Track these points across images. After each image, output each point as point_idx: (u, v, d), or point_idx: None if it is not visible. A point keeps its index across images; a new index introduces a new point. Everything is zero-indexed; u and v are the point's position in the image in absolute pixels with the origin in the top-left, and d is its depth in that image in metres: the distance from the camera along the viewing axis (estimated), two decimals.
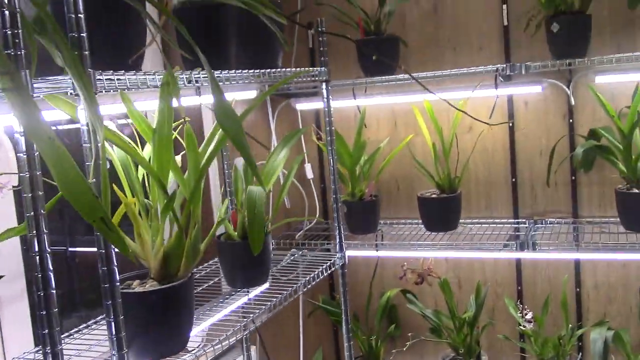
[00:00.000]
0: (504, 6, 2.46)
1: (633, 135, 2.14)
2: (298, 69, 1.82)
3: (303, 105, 2.72)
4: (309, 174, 2.83)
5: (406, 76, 2.30)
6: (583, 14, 2.10)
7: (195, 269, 1.84)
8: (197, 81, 1.40)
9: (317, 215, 2.84)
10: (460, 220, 2.55)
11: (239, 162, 1.80)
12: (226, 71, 1.44)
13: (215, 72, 1.42)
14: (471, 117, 1.67)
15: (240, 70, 1.49)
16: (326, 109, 1.95)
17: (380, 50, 2.40)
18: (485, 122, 1.97)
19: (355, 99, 2.52)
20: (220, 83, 1.43)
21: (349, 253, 2.81)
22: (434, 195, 2.43)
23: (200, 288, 1.83)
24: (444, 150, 2.41)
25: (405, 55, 2.64)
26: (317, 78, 1.87)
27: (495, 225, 2.57)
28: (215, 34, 1.45)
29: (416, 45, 2.63)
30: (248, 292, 1.62)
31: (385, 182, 2.78)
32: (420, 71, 2.57)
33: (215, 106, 0.90)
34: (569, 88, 2.34)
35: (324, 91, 1.93)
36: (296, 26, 2.76)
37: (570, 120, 2.44)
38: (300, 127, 2.83)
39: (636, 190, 2.14)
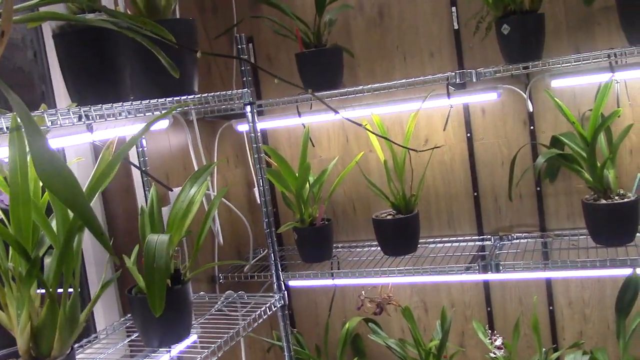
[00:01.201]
0: (453, 9, 2.29)
1: (597, 141, 1.97)
2: (219, 92, 1.61)
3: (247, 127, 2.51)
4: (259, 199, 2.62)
5: (353, 89, 2.11)
6: (535, 13, 1.93)
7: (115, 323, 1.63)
8: (87, 117, 1.20)
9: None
10: (422, 240, 2.36)
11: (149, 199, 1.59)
12: (119, 104, 1.24)
13: (106, 105, 1.21)
14: (376, 134, 1.47)
15: (139, 101, 1.28)
16: (252, 135, 1.75)
17: (323, 62, 2.21)
18: (409, 149, 1.78)
19: (300, 116, 2.32)
20: (113, 118, 1.23)
21: (302, 283, 2.62)
22: (389, 217, 2.24)
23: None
24: (397, 167, 2.23)
25: (352, 66, 2.45)
26: (239, 101, 1.67)
27: (458, 243, 2.39)
28: (106, 60, 1.25)
29: (363, 55, 2.44)
30: (169, 350, 1.42)
31: (340, 203, 2.58)
32: (369, 82, 2.40)
33: (34, 158, 0.68)
34: (526, 93, 2.16)
35: (249, 114, 1.73)
36: (233, 41, 2.56)
37: (532, 127, 2.27)
38: (247, 149, 2.63)
39: (604, 201, 1.97)
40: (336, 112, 1.33)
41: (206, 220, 1.58)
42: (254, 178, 2.62)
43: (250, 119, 1.71)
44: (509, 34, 1.93)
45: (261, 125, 2.53)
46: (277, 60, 2.57)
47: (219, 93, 1.62)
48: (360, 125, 1.50)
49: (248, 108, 1.71)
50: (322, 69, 2.21)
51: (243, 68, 1.69)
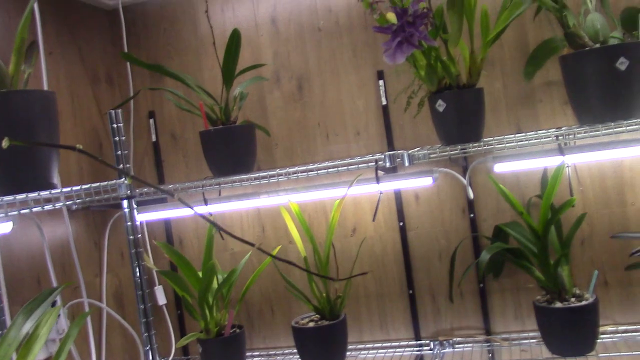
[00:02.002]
0: (381, 82, 2.03)
1: (549, 235, 1.70)
2: (89, 185, 1.26)
3: (147, 216, 2.14)
4: (161, 299, 2.23)
5: (266, 173, 1.79)
6: (473, 88, 1.68)
7: None
8: None
9: (173, 354, 2.22)
10: (351, 347, 2.02)
11: None
12: None
13: None
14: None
15: None
16: (131, 237, 1.38)
17: (232, 142, 1.89)
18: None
19: (207, 204, 1.97)
20: None
21: None
22: (310, 324, 1.89)
23: None
24: (320, 263, 1.90)
25: (269, 145, 2.15)
26: (114, 194, 1.32)
27: (393, 350, 2.05)
28: None
29: (281, 134, 2.14)
30: None
31: (256, 305, 2.21)
32: (288, 164, 2.10)
33: None
34: (465, 178, 1.89)
35: (125, 211, 1.37)
36: (131, 116, 2.22)
37: (472, 215, 2.00)
38: (147, 241, 2.24)
39: (559, 304, 1.68)
40: (192, 207, 0.98)
41: (64, 345, 1.18)
42: (155, 276, 2.23)
43: (127, 216, 1.35)
44: (445, 111, 1.67)
45: (164, 214, 2.16)
46: (183, 139, 2.23)
47: (88, 186, 1.27)
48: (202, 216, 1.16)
49: (125, 203, 1.35)
50: (231, 150, 1.88)
51: (119, 152, 1.34)
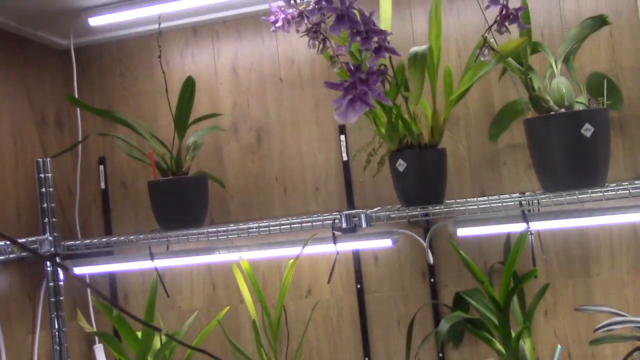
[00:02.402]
0: (342, 137, 1.96)
1: (510, 306, 1.61)
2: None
3: (90, 269, 2.00)
4: (100, 358, 2.07)
5: (216, 229, 1.69)
6: (435, 148, 1.61)
7: None
8: None
9: None
10: None
11: None
12: None
13: None
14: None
15: None
16: (52, 300, 1.26)
17: (182, 193, 1.78)
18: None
19: (153, 259, 1.85)
20: None
21: None
22: None
23: None
24: (270, 327, 1.78)
25: (224, 198, 2.04)
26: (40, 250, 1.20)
27: None
28: None
29: (237, 186, 2.04)
30: None
31: None
32: (243, 218, 2.00)
33: None
34: (425, 242, 1.81)
35: (48, 270, 1.25)
36: (79, 161, 2.11)
37: (432, 280, 1.90)
38: (89, 296, 2.10)
39: None
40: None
41: None
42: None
43: (49, 276, 1.23)
44: (405, 170, 1.59)
45: (108, 267, 2.02)
46: (134, 188, 2.12)
47: (3, 243, 1.15)
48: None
49: (48, 262, 1.23)
50: (181, 202, 1.78)
51: (45, 205, 1.23)
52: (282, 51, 2.01)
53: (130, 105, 2.13)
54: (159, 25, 1.79)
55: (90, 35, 2.09)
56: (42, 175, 1.23)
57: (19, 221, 1.83)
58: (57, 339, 1.19)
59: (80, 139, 2.08)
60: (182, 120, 1.76)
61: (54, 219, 1.24)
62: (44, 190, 1.22)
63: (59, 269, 1.21)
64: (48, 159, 1.24)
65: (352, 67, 1.02)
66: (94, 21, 1.88)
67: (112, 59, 2.14)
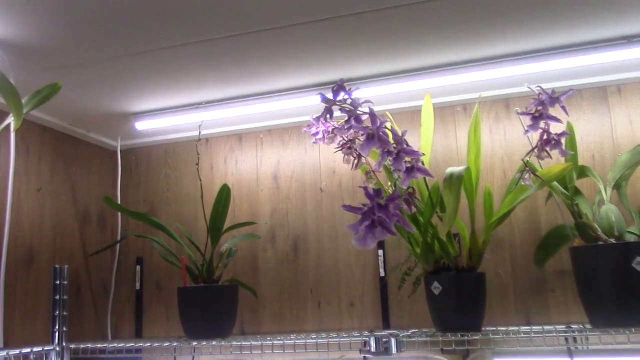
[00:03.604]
0: (380, 252, 1.89)
1: None
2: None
3: None
4: None
5: (240, 344, 1.62)
6: (473, 271, 1.52)
7: None
8: None
9: None
10: None
11: None
12: None
13: None
14: None
15: None
16: None
17: (211, 302, 1.74)
18: None
19: None
20: None
21: None
22: None
23: None
24: None
25: (256, 307, 1.98)
26: None
27: None
28: None
29: (271, 296, 1.99)
30: None
31: None
32: (275, 329, 1.93)
33: None
34: None
35: None
36: (116, 260, 2.11)
37: None
38: None
39: None
40: None
41: None
42: None
43: None
44: (441, 294, 1.50)
45: None
46: (168, 291, 2.09)
47: (17, 351, 1.12)
48: None
49: None
50: (209, 311, 1.72)
51: (57, 312, 1.20)
52: (324, 161, 2.00)
53: (173, 207, 2.14)
54: (199, 132, 1.82)
55: (139, 138, 2.15)
56: (57, 282, 1.22)
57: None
58: None
59: (119, 238, 2.08)
60: (215, 227, 1.74)
61: (64, 328, 1.20)
62: (57, 297, 1.20)
63: None
64: (65, 266, 1.23)
65: (371, 192, 0.97)
66: (141, 125, 1.92)
67: (158, 161, 2.18)
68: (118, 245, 2.11)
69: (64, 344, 1.21)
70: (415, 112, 1.89)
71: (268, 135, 2.08)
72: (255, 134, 2.09)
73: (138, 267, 2.12)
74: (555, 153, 1.35)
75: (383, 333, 1.58)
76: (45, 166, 1.89)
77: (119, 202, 2.12)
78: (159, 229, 1.79)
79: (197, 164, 1.78)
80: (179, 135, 2.12)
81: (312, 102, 1.79)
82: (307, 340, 1.59)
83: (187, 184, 2.14)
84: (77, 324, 1.95)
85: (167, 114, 1.88)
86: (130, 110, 1.89)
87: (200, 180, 1.83)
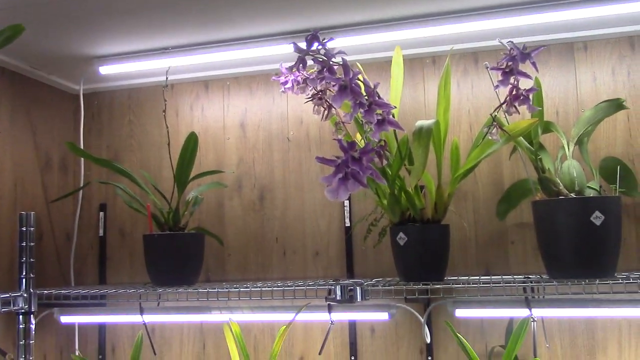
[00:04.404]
0: (347, 203, 1.91)
1: None
2: None
3: (79, 318, 1.95)
4: None
5: (207, 290, 1.63)
6: (438, 223, 1.55)
7: None
8: None
9: None
10: None
11: None
12: None
13: None
14: None
15: None
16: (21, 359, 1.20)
17: (177, 250, 1.74)
18: None
19: (143, 314, 1.79)
20: None
21: None
22: None
23: None
24: None
25: (221, 255, 1.99)
26: (10, 307, 1.15)
27: None
28: None
29: (236, 244, 2.00)
30: None
31: None
32: (240, 277, 1.95)
33: None
34: (424, 319, 1.73)
35: (20, 327, 1.20)
36: (79, 207, 2.08)
37: (429, 358, 1.82)
38: (77, 348, 2.04)
39: None
40: None
41: None
42: None
43: (21, 334, 1.18)
44: (406, 245, 1.53)
45: (98, 318, 1.98)
46: (132, 238, 2.08)
47: None
48: None
49: (21, 318, 1.19)
50: (175, 258, 1.73)
51: (24, 259, 1.19)
52: (292, 111, 1.99)
53: (137, 154, 2.11)
54: (166, 79, 1.78)
55: (103, 82, 2.09)
56: (23, 229, 1.20)
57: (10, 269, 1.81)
58: None
59: (82, 184, 2.05)
60: (182, 175, 1.73)
61: (32, 275, 1.19)
62: (24, 244, 1.18)
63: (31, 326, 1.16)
64: (32, 213, 1.21)
65: (345, 145, 0.98)
66: (105, 70, 1.87)
67: (122, 106, 2.14)
68: (81, 191, 2.08)
69: (32, 290, 1.21)
70: (385, 63, 1.88)
71: (235, 82, 2.05)
72: (222, 81, 2.05)
73: (102, 214, 2.10)
74: (522, 108, 1.37)
75: (348, 281, 1.61)
76: (4, 110, 1.84)
77: (82, 147, 2.08)
78: (123, 175, 1.77)
79: (164, 111, 1.76)
80: (144, 80, 2.08)
81: (281, 50, 1.77)
82: (274, 288, 1.61)
83: (151, 130, 2.10)
84: (39, 270, 1.94)
85: (133, 59, 1.84)
86: (95, 53, 1.84)
87: (168, 127, 1.80)
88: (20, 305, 1.16)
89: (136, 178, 1.75)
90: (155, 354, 1.94)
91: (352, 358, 1.88)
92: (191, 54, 1.81)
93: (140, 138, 2.11)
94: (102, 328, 2.07)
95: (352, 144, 1.00)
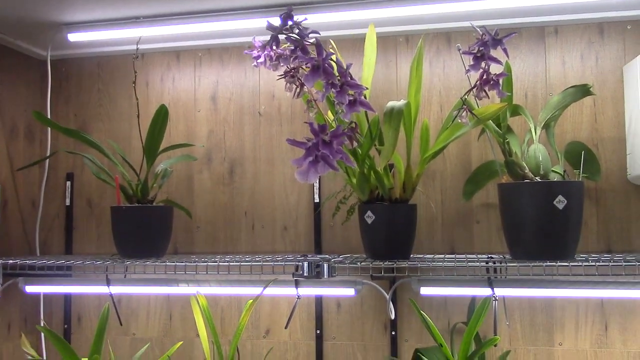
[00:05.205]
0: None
1: None
2: None
3: (44, 288, 1.94)
4: None
5: (174, 264, 1.64)
6: (405, 203, 1.57)
7: None
8: None
9: None
10: None
11: None
12: None
13: None
14: None
15: None
16: None
17: (145, 222, 1.73)
18: None
19: (109, 285, 1.79)
20: None
21: None
22: None
23: None
24: None
25: (190, 228, 1.99)
26: None
27: None
28: None
29: (205, 217, 2.00)
30: None
31: None
32: (209, 250, 1.96)
33: None
34: (389, 295, 1.76)
35: None
36: (45, 175, 2.06)
37: (393, 333, 1.86)
38: (42, 318, 2.04)
39: None
40: None
41: None
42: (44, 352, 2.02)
43: None
44: (373, 223, 1.55)
45: (63, 289, 1.97)
46: (100, 208, 2.07)
47: None
48: None
49: None
50: (143, 231, 1.72)
51: None
52: (264, 85, 1.98)
53: (106, 124, 2.08)
54: (137, 49, 1.76)
55: (71, 49, 2.05)
56: None
57: None
58: None
59: (49, 153, 2.03)
60: (152, 147, 1.72)
61: None
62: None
63: None
64: None
65: (316, 128, 0.98)
66: (73, 37, 1.84)
67: (91, 74, 2.10)
68: (47, 160, 2.05)
69: None
70: (359, 40, 1.88)
71: (207, 54, 2.03)
72: (194, 52, 2.03)
73: (68, 183, 2.07)
74: (491, 93, 1.39)
75: (316, 257, 1.63)
76: None
77: (49, 116, 2.05)
78: (91, 146, 1.75)
79: (134, 82, 1.73)
80: (114, 48, 2.04)
81: (255, 24, 1.75)
82: (242, 263, 1.62)
83: (120, 100, 2.08)
84: (4, 239, 1.92)
85: (103, 27, 1.80)
86: (63, 20, 1.80)
87: (137, 99, 1.78)
88: None
89: (104, 149, 1.74)
90: (121, 324, 1.94)
91: (318, 332, 1.91)
92: (163, 24, 1.78)
93: (109, 108, 2.08)
94: (67, 298, 2.06)
95: (323, 127, 1.01)
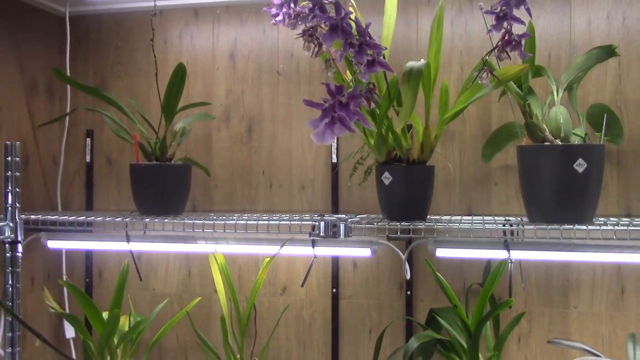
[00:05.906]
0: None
1: (483, 332, 1.58)
2: None
3: (66, 244, 1.97)
4: (69, 332, 2.06)
5: (192, 221, 1.66)
6: (423, 164, 1.56)
7: None
8: None
9: None
10: None
11: None
12: None
13: None
14: None
15: None
16: (9, 286, 1.23)
17: (164, 180, 1.75)
18: None
19: (129, 242, 1.82)
20: None
21: None
22: None
23: None
24: (239, 323, 1.76)
25: (208, 186, 2.01)
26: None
27: None
28: None
29: (223, 176, 2.01)
30: None
31: (170, 351, 2.05)
32: (226, 208, 1.97)
33: None
34: (404, 256, 1.77)
35: (7, 255, 1.22)
36: (65, 132, 2.08)
37: (408, 293, 1.87)
38: (64, 272, 2.08)
39: None
40: None
41: None
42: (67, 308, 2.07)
43: (8, 261, 1.20)
44: (390, 184, 1.55)
45: (85, 245, 2.00)
46: (119, 165, 2.08)
47: None
48: None
49: (8, 247, 1.20)
50: (161, 188, 1.74)
51: (9, 189, 1.20)
52: (283, 43, 1.96)
53: (124, 81, 2.08)
54: (154, 5, 1.74)
55: (90, 5, 2.04)
56: (9, 159, 1.20)
57: None
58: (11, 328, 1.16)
59: (69, 109, 2.04)
60: (170, 106, 1.72)
61: (17, 204, 1.20)
62: (9, 173, 1.18)
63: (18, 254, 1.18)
64: (17, 143, 1.20)
65: (333, 89, 0.97)
66: None
67: (109, 31, 2.09)
68: (67, 117, 2.06)
69: (17, 220, 1.22)
70: None
71: (225, 11, 2.01)
72: (212, 9, 2.01)
73: (88, 140, 2.09)
74: (513, 54, 1.36)
75: (332, 217, 1.64)
76: None
77: (68, 72, 2.05)
78: (110, 104, 1.75)
79: (152, 40, 1.72)
80: (132, 5, 2.02)
81: None
82: (259, 222, 1.63)
83: (139, 57, 2.07)
84: (26, 194, 1.95)
85: None
86: None
87: (155, 57, 1.77)
88: (7, 234, 1.17)
89: (123, 107, 1.74)
90: (141, 279, 1.98)
91: (334, 290, 1.93)
92: None
93: (128, 65, 2.08)
94: (89, 253, 2.10)
95: (340, 88, 1.00)
